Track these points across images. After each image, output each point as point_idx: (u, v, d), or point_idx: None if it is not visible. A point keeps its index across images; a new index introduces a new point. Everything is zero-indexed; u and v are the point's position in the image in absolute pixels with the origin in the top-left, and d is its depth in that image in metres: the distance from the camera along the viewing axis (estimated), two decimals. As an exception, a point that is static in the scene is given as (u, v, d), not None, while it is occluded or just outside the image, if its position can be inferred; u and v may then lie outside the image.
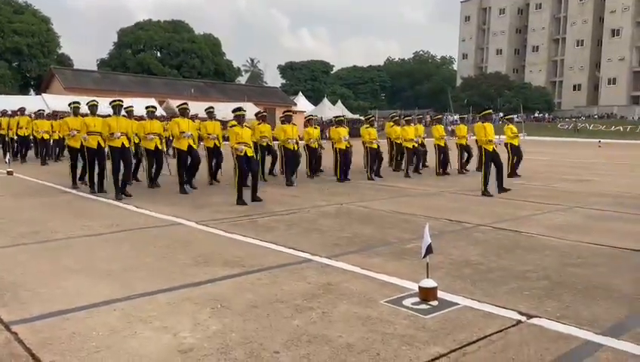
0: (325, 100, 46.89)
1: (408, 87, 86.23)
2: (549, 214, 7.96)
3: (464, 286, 4.41)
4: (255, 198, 8.76)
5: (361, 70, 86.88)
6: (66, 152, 18.27)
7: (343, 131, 12.46)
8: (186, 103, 10.74)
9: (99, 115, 10.10)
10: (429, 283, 4.01)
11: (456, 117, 22.80)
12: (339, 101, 49.99)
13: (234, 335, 3.36)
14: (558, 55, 79.19)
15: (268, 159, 12.61)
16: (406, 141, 13.36)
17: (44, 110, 18.87)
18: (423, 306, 3.87)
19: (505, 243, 6.02)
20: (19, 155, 17.26)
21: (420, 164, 14.26)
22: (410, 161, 13.47)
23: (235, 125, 8.99)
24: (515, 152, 12.98)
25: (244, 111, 9.20)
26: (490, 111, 10.81)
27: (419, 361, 3.03)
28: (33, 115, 17.82)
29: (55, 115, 18.72)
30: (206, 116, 11.72)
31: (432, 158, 14.21)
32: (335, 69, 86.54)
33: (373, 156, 12.65)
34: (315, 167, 13.03)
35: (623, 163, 19.27)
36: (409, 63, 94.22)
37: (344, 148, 12.14)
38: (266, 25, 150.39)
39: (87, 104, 10.10)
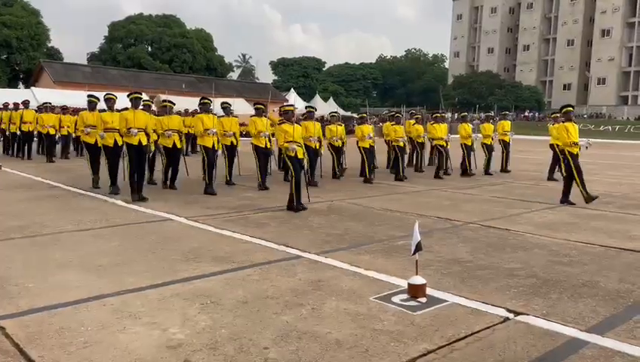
0: (317, 97, 46.88)
1: (400, 84, 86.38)
2: (538, 213, 8.03)
3: (453, 283, 4.45)
4: (300, 206, 7.75)
5: (353, 67, 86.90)
6: (71, 148, 16.90)
7: (367, 129, 11.75)
8: (207, 98, 9.84)
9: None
10: (418, 280, 4.04)
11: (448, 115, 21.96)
12: (330, 98, 50.00)
13: (223, 330, 3.37)
14: (548, 54, 79.65)
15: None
16: (436, 140, 12.65)
17: (50, 103, 16.78)
18: (412, 303, 3.90)
19: (494, 241, 6.07)
20: (22, 152, 15.79)
21: (423, 163, 13.81)
22: (445, 161, 12.73)
23: (283, 122, 8.14)
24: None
25: (295, 106, 8.40)
26: (572, 108, 9.15)
27: (407, 357, 3.05)
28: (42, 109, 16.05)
29: (65, 109, 17.11)
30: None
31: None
32: (327, 66, 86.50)
33: (401, 155, 12.03)
34: (339, 167, 12.29)
35: (610, 162, 19.44)
36: (401, 61, 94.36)
37: (368, 146, 11.53)
38: (258, 21, 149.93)
39: (104, 97, 9.24)
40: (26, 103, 16.35)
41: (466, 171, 12.93)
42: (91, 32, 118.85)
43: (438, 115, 13.56)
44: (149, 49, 58.11)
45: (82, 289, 4.09)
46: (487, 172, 13.29)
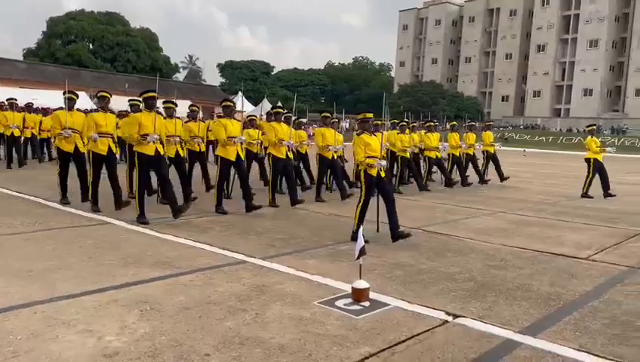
0: (265, 101, 46.67)
1: (348, 91, 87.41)
2: (477, 219, 8.33)
3: (395, 287, 4.53)
4: (398, 234, 6.28)
5: (302, 73, 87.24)
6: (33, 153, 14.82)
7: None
8: (231, 100, 8.51)
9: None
10: (361, 284, 4.09)
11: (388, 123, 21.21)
12: (279, 102, 49.90)
13: (163, 338, 3.28)
14: (488, 67, 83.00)
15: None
16: (428, 150, 12.20)
17: (15, 99, 14.22)
18: (355, 307, 3.95)
19: (435, 246, 6.24)
20: None
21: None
22: (431, 171, 12.35)
23: (362, 132, 6.68)
24: (599, 170, 11.39)
25: (372, 114, 6.94)
26: None
27: (349, 361, 3.08)
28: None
29: (29, 107, 14.85)
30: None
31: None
32: (275, 70, 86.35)
33: (406, 165, 11.70)
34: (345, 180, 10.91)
35: (544, 171, 20.43)
36: (349, 68, 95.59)
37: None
38: (205, 22, 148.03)
39: (97, 95, 7.90)
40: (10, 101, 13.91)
41: (449, 181, 12.49)
42: (28, 28, 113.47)
43: (432, 123, 12.86)
44: (91, 46, 56.13)
45: (11, 296, 3.88)
46: (455, 182, 12.63)
